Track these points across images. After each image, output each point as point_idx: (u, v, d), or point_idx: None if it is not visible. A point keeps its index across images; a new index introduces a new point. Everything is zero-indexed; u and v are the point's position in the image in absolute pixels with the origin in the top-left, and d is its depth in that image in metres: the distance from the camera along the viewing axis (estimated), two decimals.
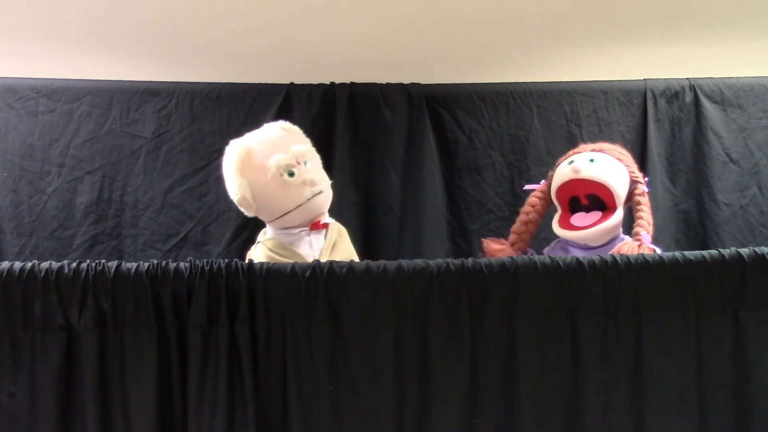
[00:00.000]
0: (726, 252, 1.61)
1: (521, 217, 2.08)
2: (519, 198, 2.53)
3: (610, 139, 2.44)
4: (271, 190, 1.86)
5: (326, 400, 1.57)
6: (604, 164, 1.97)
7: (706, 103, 2.57)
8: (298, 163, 1.88)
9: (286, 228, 1.92)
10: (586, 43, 2.59)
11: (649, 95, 2.57)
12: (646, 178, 2.03)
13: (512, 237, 2.07)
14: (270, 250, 1.90)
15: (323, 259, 1.87)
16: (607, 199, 1.94)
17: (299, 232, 1.92)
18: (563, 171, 2.00)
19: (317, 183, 1.89)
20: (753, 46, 2.59)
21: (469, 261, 1.58)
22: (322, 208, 1.93)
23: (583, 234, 1.94)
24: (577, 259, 1.59)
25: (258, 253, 1.93)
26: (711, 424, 1.62)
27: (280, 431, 1.58)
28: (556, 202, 2.04)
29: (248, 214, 1.92)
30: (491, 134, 2.55)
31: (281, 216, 1.89)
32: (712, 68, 2.61)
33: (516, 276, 1.57)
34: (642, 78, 2.60)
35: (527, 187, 2.17)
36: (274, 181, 1.85)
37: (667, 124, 2.57)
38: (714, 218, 2.52)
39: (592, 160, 1.97)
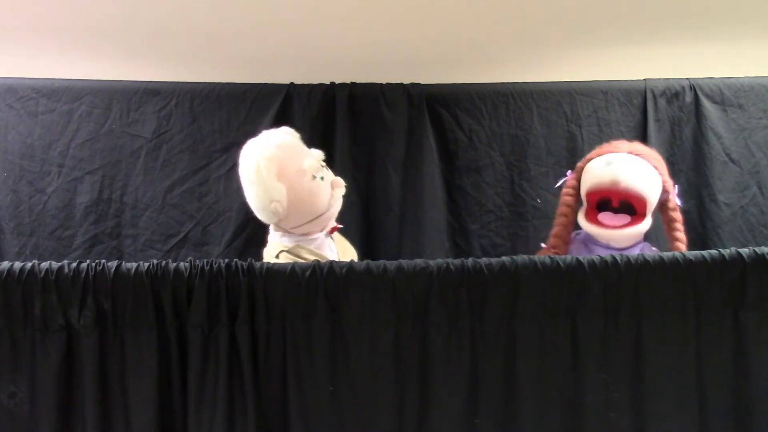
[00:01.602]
0: (726, 252, 1.61)
1: (560, 220, 2.03)
2: (519, 198, 2.53)
3: (610, 140, 2.45)
4: (307, 194, 1.85)
5: (326, 400, 1.57)
6: (643, 174, 1.93)
7: (706, 103, 2.57)
8: (322, 166, 1.90)
9: (306, 235, 1.90)
10: (586, 43, 2.59)
11: (649, 95, 2.57)
12: (677, 186, 2.02)
13: (554, 241, 2.03)
14: (299, 257, 1.86)
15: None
16: (639, 207, 1.92)
17: (321, 236, 1.92)
18: (600, 173, 1.94)
19: (342, 184, 1.92)
20: (753, 46, 2.59)
21: (469, 261, 1.58)
22: (336, 213, 1.94)
23: (613, 234, 1.92)
24: (577, 259, 1.59)
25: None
26: (711, 425, 1.62)
27: (280, 431, 1.58)
28: (584, 198, 2.00)
29: (267, 221, 1.89)
30: (491, 134, 2.55)
31: (310, 221, 1.87)
32: (712, 68, 2.61)
33: (516, 276, 1.57)
34: (642, 78, 2.60)
35: (560, 184, 2.12)
36: (309, 186, 1.85)
37: (667, 124, 2.57)
38: (714, 218, 2.52)
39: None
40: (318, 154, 1.91)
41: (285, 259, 1.86)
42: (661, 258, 1.60)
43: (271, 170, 1.82)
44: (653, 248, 2.02)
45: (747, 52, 2.60)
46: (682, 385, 1.61)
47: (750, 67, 2.61)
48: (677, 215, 1.96)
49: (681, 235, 1.94)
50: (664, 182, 1.98)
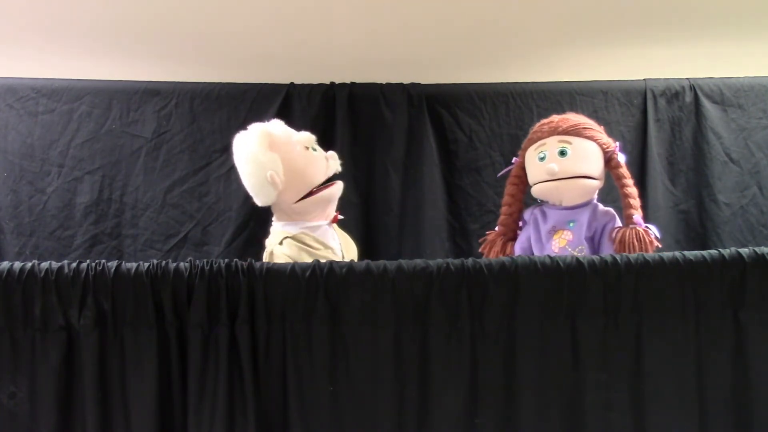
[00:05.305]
0: (726, 252, 1.61)
1: (504, 210, 2.05)
2: None
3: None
4: (301, 163, 1.88)
5: (326, 400, 1.57)
6: (577, 155, 1.92)
7: (706, 103, 2.57)
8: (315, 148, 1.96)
9: (308, 221, 1.91)
10: (586, 43, 2.59)
11: (649, 95, 2.57)
12: (617, 143, 1.97)
13: (500, 229, 2.05)
14: (303, 244, 1.86)
15: (345, 253, 1.93)
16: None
17: (323, 225, 1.93)
18: (536, 171, 1.95)
19: (336, 156, 1.97)
20: (753, 46, 2.59)
21: (469, 261, 1.58)
22: (336, 196, 1.96)
23: (556, 183, 1.91)
24: (577, 259, 1.59)
25: (287, 250, 1.85)
26: (711, 424, 1.61)
27: (280, 431, 1.58)
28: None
29: (267, 200, 1.88)
30: (491, 134, 2.55)
31: (305, 197, 1.88)
32: (712, 68, 2.61)
33: (516, 276, 1.57)
34: (642, 78, 2.60)
35: (501, 174, 2.13)
36: (302, 154, 1.90)
37: (667, 124, 2.57)
38: (714, 218, 2.52)
39: (563, 153, 1.92)
40: (310, 135, 1.96)
41: (289, 245, 1.85)
42: (661, 258, 1.61)
43: (263, 143, 1.86)
44: (608, 207, 1.98)
45: (747, 52, 2.60)
46: (682, 385, 1.61)
47: (750, 67, 2.62)
48: (623, 171, 1.94)
49: (630, 190, 1.91)
50: (601, 145, 1.95)
